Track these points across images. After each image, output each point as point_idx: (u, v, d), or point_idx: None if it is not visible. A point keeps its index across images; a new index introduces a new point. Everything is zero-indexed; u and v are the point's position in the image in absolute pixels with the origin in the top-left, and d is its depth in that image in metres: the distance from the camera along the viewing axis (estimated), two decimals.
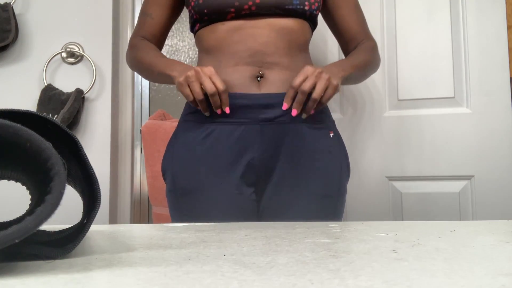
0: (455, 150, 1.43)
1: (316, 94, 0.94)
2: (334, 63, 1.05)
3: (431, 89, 1.46)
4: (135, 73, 1.83)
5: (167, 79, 1.02)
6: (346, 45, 1.16)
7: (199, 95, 0.94)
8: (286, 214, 1.00)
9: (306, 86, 0.93)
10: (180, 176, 1.02)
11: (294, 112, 0.96)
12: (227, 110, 0.96)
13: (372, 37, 1.17)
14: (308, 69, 0.95)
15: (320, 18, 1.16)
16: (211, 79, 0.93)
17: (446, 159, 1.44)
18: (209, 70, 0.94)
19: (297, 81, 0.94)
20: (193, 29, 1.10)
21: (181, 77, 0.95)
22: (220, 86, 0.93)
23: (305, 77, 0.94)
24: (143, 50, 1.10)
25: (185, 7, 1.14)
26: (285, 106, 0.97)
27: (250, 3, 0.99)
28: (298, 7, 1.01)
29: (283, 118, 0.99)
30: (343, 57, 1.52)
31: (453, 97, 1.45)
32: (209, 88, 0.92)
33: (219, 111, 0.97)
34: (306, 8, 1.02)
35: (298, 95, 0.95)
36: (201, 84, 0.93)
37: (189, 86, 0.94)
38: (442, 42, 1.46)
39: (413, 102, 1.48)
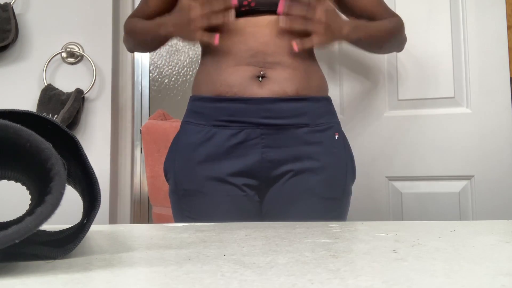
0: (455, 150, 1.43)
1: (298, 25, 0.96)
2: (351, 21, 1.06)
3: (431, 89, 1.46)
4: (135, 73, 1.83)
5: (163, 39, 1.09)
6: None
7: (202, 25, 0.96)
8: (290, 216, 0.99)
9: (298, 12, 0.96)
10: (182, 178, 1.02)
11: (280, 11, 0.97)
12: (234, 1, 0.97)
13: (397, 15, 1.17)
14: (319, 13, 0.96)
15: None
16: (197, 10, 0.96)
17: (446, 159, 1.44)
18: (190, 11, 0.97)
19: (300, 9, 0.96)
20: None
21: (183, 32, 1.00)
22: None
23: (307, 12, 0.96)
24: (134, 22, 1.14)
25: None
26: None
27: None
28: None
29: (284, 121, 0.99)
30: (343, 57, 1.53)
31: (453, 97, 1.45)
32: (214, 17, 0.96)
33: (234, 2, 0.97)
34: None
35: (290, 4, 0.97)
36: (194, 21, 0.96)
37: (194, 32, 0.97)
38: (442, 42, 1.46)
39: (413, 102, 1.48)
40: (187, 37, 1.01)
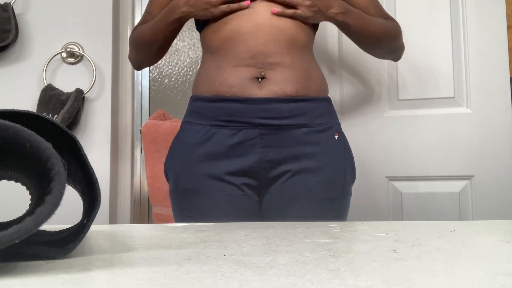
0: (455, 150, 1.43)
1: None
2: (344, 4, 1.05)
3: (431, 89, 1.46)
4: (135, 72, 1.83)
5: (175, 24, 1.06)
6: None
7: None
8: (289, 216, 0.99)
9: None
10: (182, 177, 1.02)
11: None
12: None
13: (395, 20, 1.15)
14: None
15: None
16: None
17: (446, 159, 1.44)
18: None
19: None
20: (197, 26, 1.11)
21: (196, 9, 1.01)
22: None
23: None
24: (139, 29, 1.13)
25: None
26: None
27: None
28: None
29: (283, 122, 0.99)
30: (343, 57, 1.53)
31: (453, 97, 1.45)
32: None
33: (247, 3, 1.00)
34: None
35: None
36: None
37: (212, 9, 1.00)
38: (442, 42, 1.46)
39: (413, 102, 1.48)
40: (205, 13, 1.01)
